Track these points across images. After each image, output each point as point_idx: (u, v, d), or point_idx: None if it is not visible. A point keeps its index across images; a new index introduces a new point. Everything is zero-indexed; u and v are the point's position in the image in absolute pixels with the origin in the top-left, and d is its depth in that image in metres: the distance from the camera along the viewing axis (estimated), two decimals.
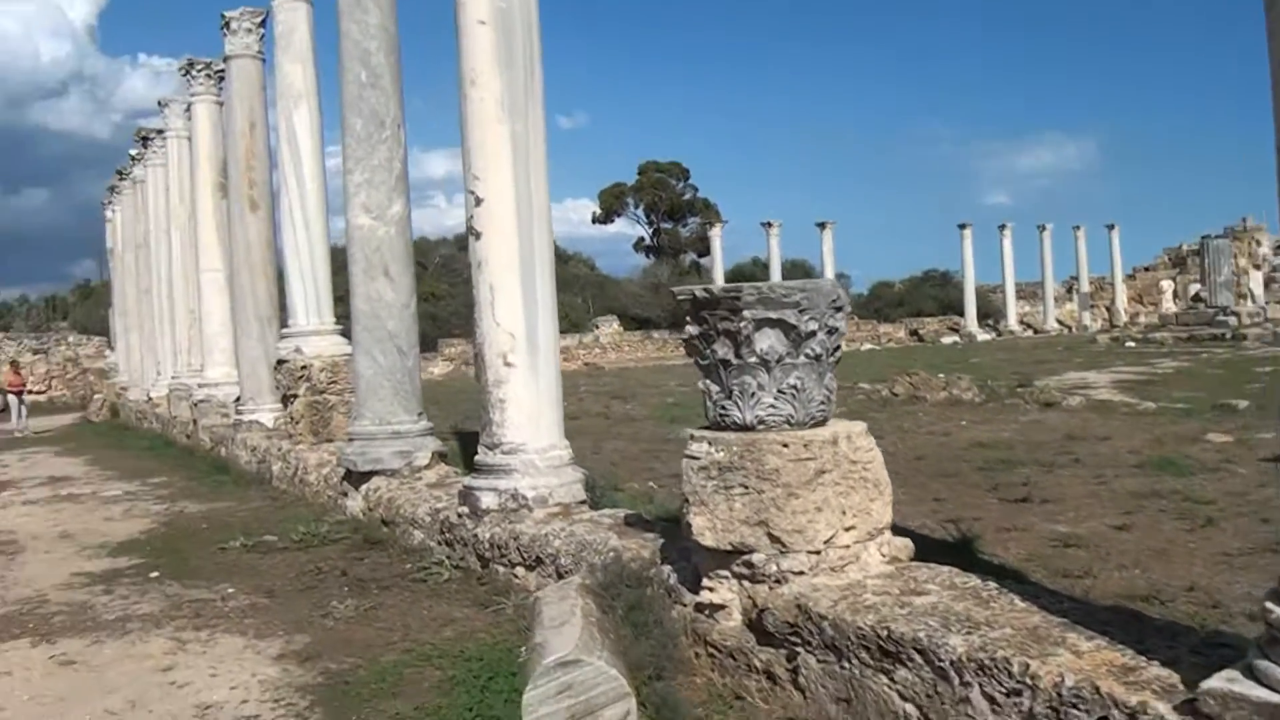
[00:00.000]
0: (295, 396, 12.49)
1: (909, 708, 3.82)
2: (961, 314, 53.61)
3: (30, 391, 32.45)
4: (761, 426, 4.58)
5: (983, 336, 50.22)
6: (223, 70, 16.48)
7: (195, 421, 18.22)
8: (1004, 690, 3.45)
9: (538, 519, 6.80)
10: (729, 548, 4.58)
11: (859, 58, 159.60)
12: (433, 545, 7.81)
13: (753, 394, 4.57)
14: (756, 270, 55.16)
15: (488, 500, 7.06)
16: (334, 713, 4.93)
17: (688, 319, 4.77)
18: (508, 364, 7.02)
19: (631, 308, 54.23)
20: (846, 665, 4.09)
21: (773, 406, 4.57)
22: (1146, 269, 59.86)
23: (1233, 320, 32.06)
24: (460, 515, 7.38)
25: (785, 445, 4.49)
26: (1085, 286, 57.05)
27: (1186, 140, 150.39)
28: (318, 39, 12.50)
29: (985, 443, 11.58)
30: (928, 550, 4.97)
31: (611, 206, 74.51)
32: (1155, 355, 26.76)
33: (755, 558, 4.51)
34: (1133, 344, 32.05)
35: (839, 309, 4.67)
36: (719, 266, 51.42)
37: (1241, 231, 37.22)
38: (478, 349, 7.21)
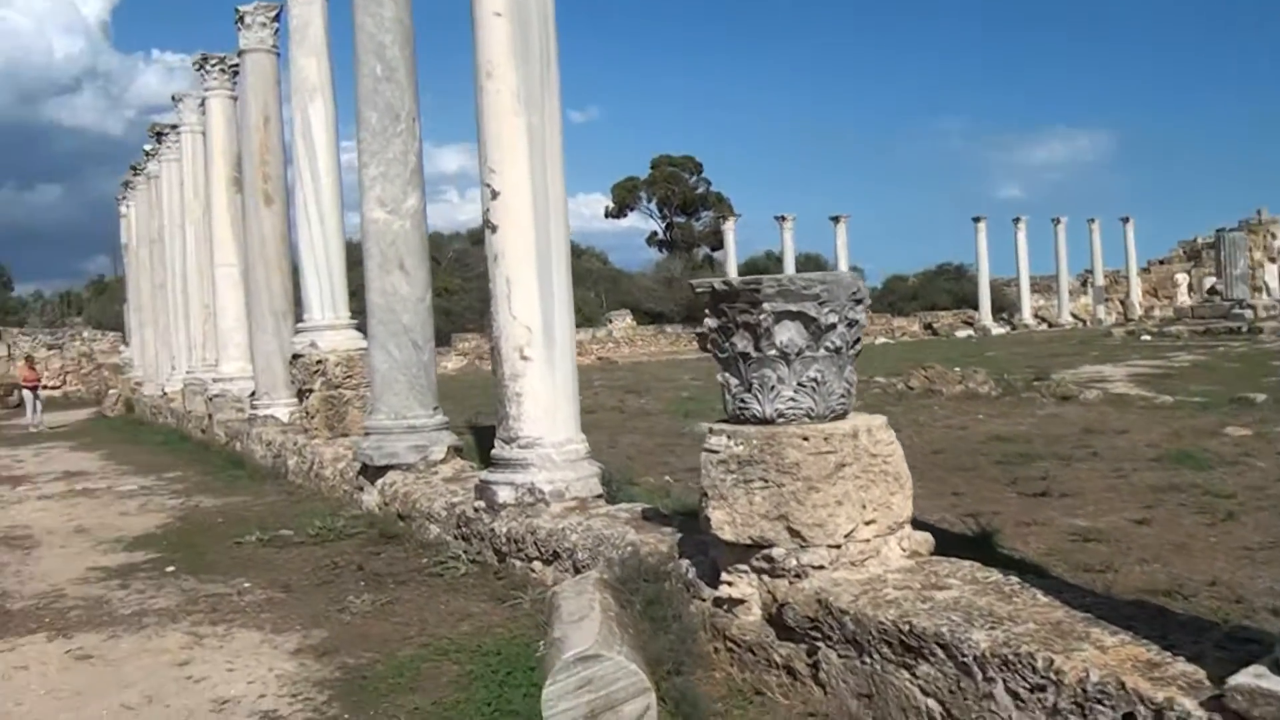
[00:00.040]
0: (310, 391, 12.49)
1: (931, 703, 3.79)
2: (975, 308, 53.44)
3: (45, 387, 32.56)
4: (781, 420, 4.55)
5: (997, 330, 50.08)
6: (237, 65, 16.50)
7: (210, 416, 18.24)
8: (1028, 686, 3.43)
9: (554, 513, 6.78)
10: (748, 542, 4.56)
11: (871, 51, 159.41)
12: (449, 540, 7.79)
13: (772, 387, 4.54)
14: (770, 264, 55.08)
15: (504, 494, 7.04)
16: (352, 707, 4.92)
17: (706, 312, 4.74)
18: (524, 358, 6.99)
19: (644, 302, 54.18)
20: (868, 660, 4.06)
21: (792, 400, 4.54)
22: (1161, 262, 59.63)
23: (1249, 313, 31.92)
24: (477, 509, 7.36)
25: (805, 439, 4.46)
26: (1100, 280, 56.84)
27: (1200, 132, 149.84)
28: (332, 33, 12.51)
29: (1003, 436, 11.54)
30: (947, 544, 4.93)
31: (624, 200, 74.35)
32: (1171, 349, 26.65)
33: (775, 552, 4.48)
34: (1148, 337, 31.94)
35: (859, 301, 4.64)
36: (732, 260, 51.38)
37: (1257, 224, 37.00)
38: (494, 342, 7.19)
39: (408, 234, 9.59)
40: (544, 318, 7.00)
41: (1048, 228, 55.56)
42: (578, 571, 6.03)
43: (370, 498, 9.55)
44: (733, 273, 46.50)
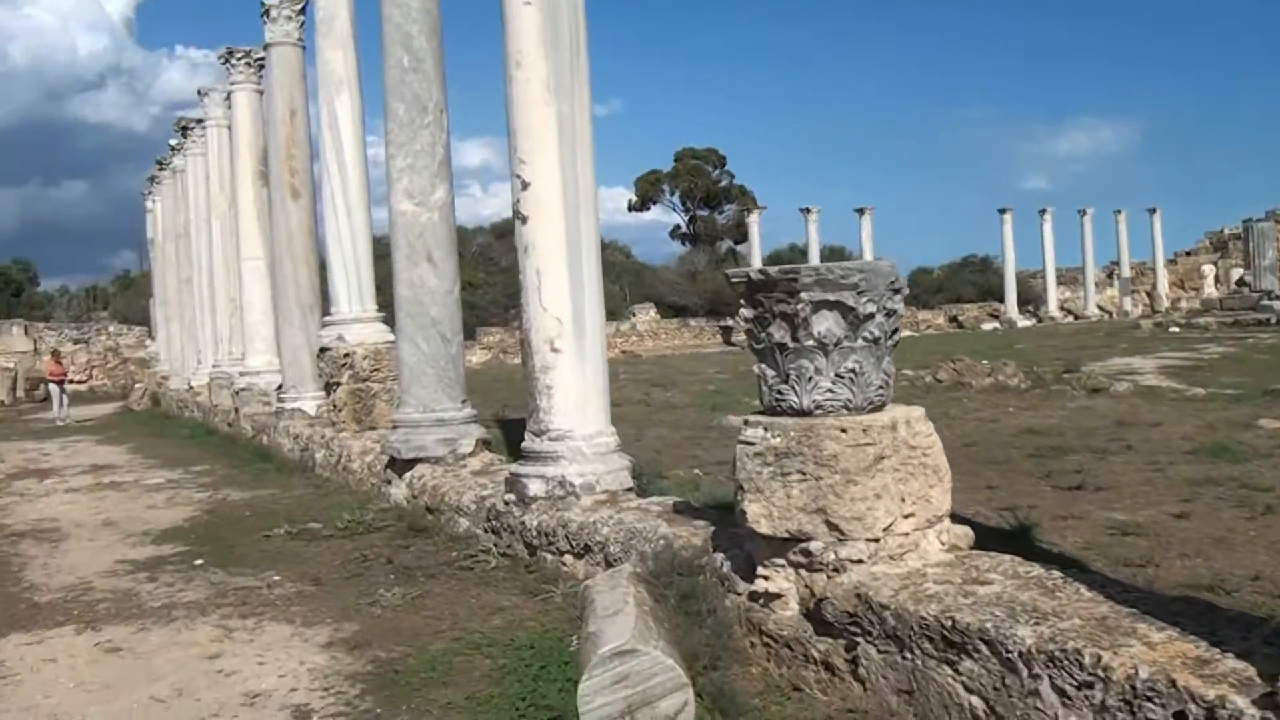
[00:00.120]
0: (338, 384, 12.49)
1: (974, 700, 3.73)
2: (1001, 300, 53.19)
3: (71, 381, 32.72)
4: (819, 411, 4.48)
5: (1023, 323, 49.81)
6: (263, 58, 16.51)
7: (237, 410, 18.29)
8: (1075, 683, 3.36)
9: (585, 506, 6.73)
10: (785, 535, 4.49)
11: (895, 42, 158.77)
12: (479, 533, 7.76)
13: (810, 378, 4.47)
14: (794, 256, 54.87)
15: (535, 487, 7.00)
16: (384, 701, 4.88)
17: (742, 302, 4.68)
18: (554, 350, 6.94)
19: (668, 295, 54.02)
20: (909, 656, 3.99)
21: (830, 391, 4.47)
22: (1187, 253, 59.25)
23: (1278, 305, 31.64)
24: (507, 503, 7.32)
25: (844, 430, 4.39)
26: (1126, 272, 56.48)
27: (1226, 122, 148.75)
28: (358, 25, 12.47)
29: (1034, 429, 11.45)
30: (984, 539, 4.87)
31: (647, 194, 74.22)
32: (1200, 340, 26.45)
33: (813, 545, 4.41)
34: (1176, 329, 31.71)
35: (897, 291, 4.56)
36: (757, 253, 51.17)
37: None
38: (524, 335, 7.14)
39: (435, 226, 9.55)
40: (574, 309, 6.95)
41: (1073, 219, 55.20)
42: (609, 565, 5.98)
43: (398, 491, 9.53)
44: (757, 265, 46.35)
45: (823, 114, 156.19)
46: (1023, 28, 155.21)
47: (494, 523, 7.54)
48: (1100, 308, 54.50)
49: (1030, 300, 54.65)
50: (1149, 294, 55.96)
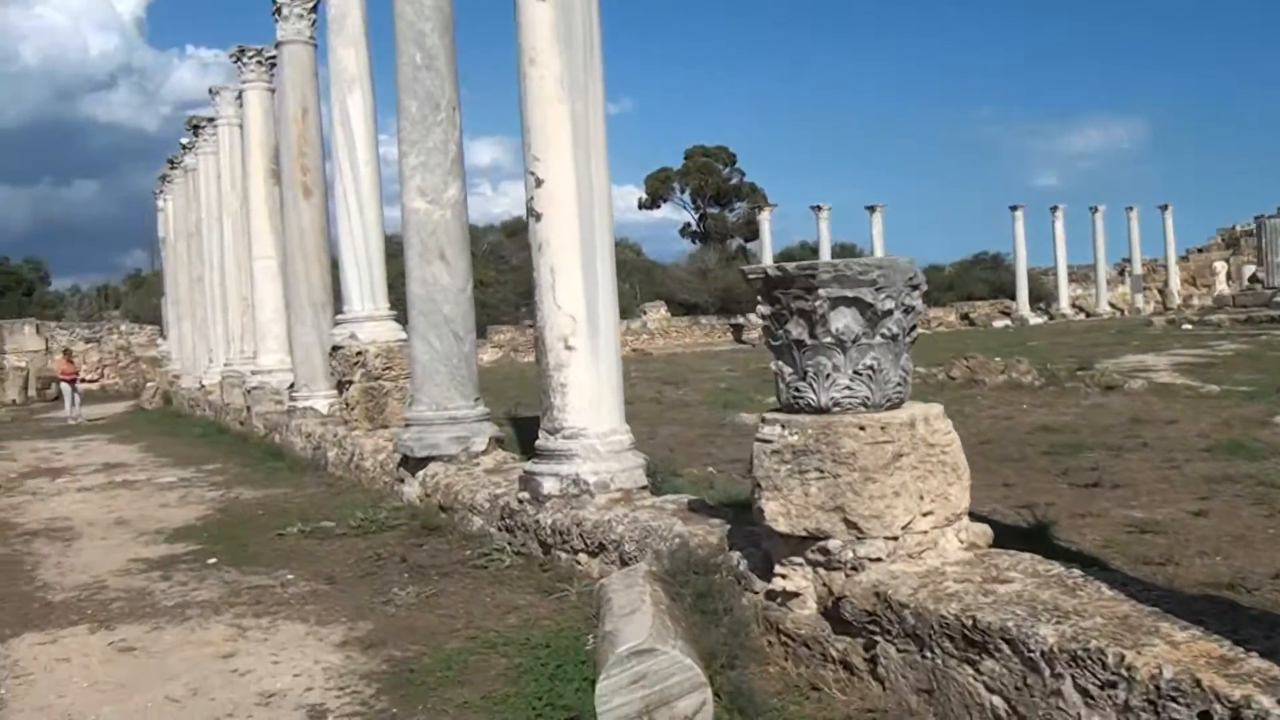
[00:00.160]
0: (350, 383, 12.49)
1: (996, 700, 3.70)
2: (1012, 297, 53.02)
3: (83, 380, 32.81)
4: (836, 409, 4.46)
5: (1034, 320, 49.67)
6: (274, 57, 16.49)
7: (249, 408, 18.29)
8: (1098, 683, 3.33)
9: (599, 505, 6.71)
10: (803, 534, 4.46)
11: (905, 40, 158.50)
12: (492, 531, 7.73)
13: (828, 375, 4.44)
14: (805, 254, 54.77)
15: (549, 486, 6.97)
16: (400, 701, 4.85)
17: (759, 299, 4.65)
18: (568, 347, 6.92)
19: (679, 293, 53.95)
20: (929, 655, 3.96)
21: (848, 388, 4.44)
22: (1199, 250, 59.03)
23: None
24: (521, 501, 7.30)
25: (862, 428, 4.36)
26: (1138, 268, 56.27)
27: (1237, 119, 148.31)
28: (370, 22, 12.46)
29: (1049, 427, 11.40)
30: (1001, 536, 4.83)
31: (658, 192, 74.13)
32: (1213, 338, 26.35)
33: (831, 544, 4.38)
34: (1189, 326, 31.61)
35: (915, 287, 4.54)
36: (768, 250, 51.12)
37: None
38: (538, 332, 7.12)
39: (448, 224, 9.53)
40: (588, 307, 6.92)
41: (1084, 216, 55.04)
42: (624, 564, 5.96)
43: (411, 489, 9.51)
44: (768, 262, 46.29)
45: (833, 112, 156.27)
46: (1032, 25, 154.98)
47: (508, 521, 7.52)
48: (1112, 305, 54.31)
49: (1041, 298, 54.49)
50: (1161, 291, 55.75)
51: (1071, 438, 10.49)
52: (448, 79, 9.59)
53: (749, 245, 65.88)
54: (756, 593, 4.86)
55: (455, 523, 8.35)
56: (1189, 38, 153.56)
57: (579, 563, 6.61)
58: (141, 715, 4.97)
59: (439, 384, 9.48)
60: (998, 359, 17.65)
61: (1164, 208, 56.38)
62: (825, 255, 48.05)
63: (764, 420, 4.69)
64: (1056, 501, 7.46)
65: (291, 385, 15.91)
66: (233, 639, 6.04)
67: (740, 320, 50.85)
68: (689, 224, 75.09)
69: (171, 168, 29.06)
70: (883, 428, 4.36)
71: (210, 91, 22.06)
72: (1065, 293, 53.87)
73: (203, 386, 24.91)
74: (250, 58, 18.24)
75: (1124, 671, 3.24)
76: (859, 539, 4.34)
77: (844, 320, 4.38)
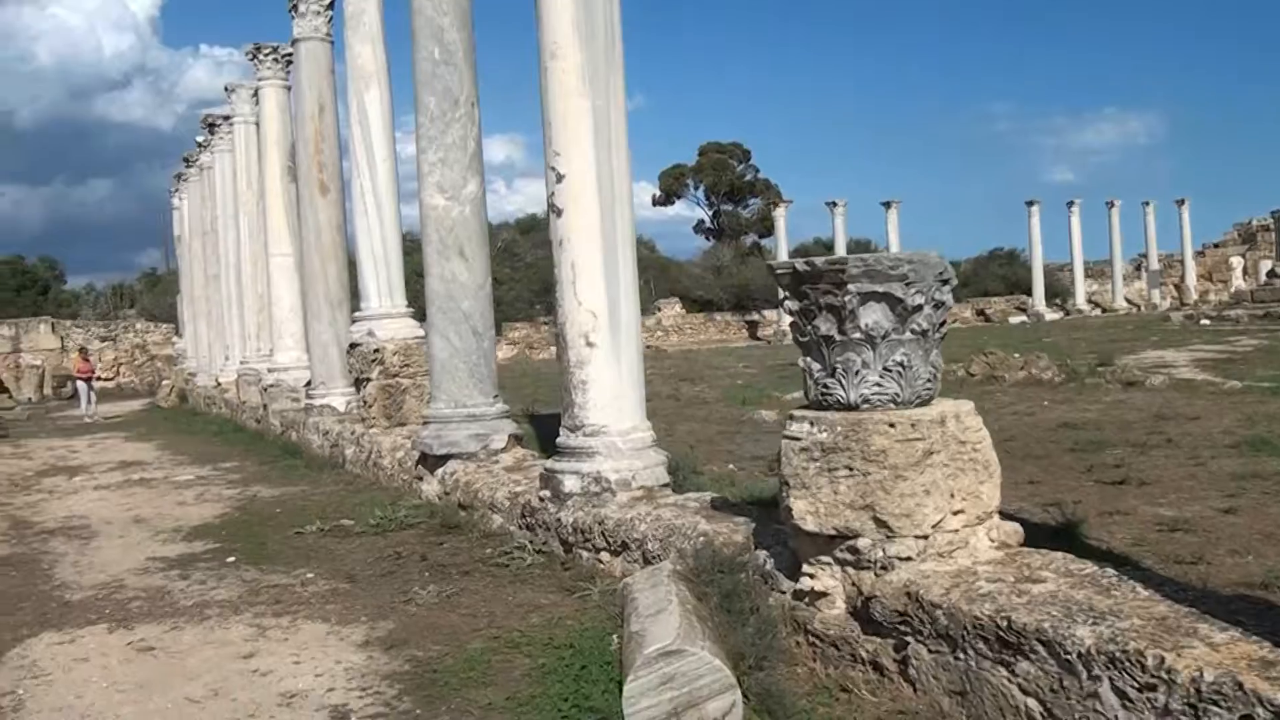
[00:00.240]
0: (368, 380, 12.45)
1: (1031, 702, 3.63)
2: (1028, 293, 52.75)
3: (99, 378, 32.90)
4: (866, 405, 4.39)
5: (1051, 316, 49.39)
6: (290, 54, 16.46)
7: (265, 406, 18.28)
8: (1137, 685, 3.27)
9: (621, 503, 6.65)
10: (832, 532, 4.40)
11: (919, 36, 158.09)
12: (513, 530, 7.69)
13: (857, 371, 4.38)
14: (820, 250, 54.58)
15: (570, 484, 6.92)
16: (424, 702, 4.80)
17: (786, 295, 4.58)
18: (590, 344, 6.86)
19: (693, 290, 53.89)
20: (961, 656, 3.90)
21: (878, 385, 4.38)
22: (1215, 245, 58.72)
23: None
24: (541, 499, 7.24)
25: (892, 425, 4.30)
26: (1155, 264, 55.97)
27: (1253, 113, 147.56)
28: (387, 19, 12.45)
29: (1072, 423, 11.29)
30: (1031, 535, 4.77)
31: (672, 188, 74.02)
32: (1232, 333, 26.15)
33: (861, 543, 4.32)
34: (1207, 322, 31.37)
35: (945, 282, 4.47)
36: (783, 246, 50.88)
37: None
38: (559, 329, 7.07)
39: (467, 220, 9.49)
40: (609, 303, 6.87)
41: (1100, 211, 54.73)
42: (647, 563, 5.90)
43: (430, 487, 9.47)
44: (784, 258, 46.12)
45: (847, 108, 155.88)
46: (1045, 20, 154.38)
47: (528, 519, 7.47)
48: (1128, 300, 54.01)
49: (1058, 293, 54.20)
50: (1177, 286, 55.43)
51: (1095, 434, 10.38)
52: (466, 74, 9.54)
53: (764, 241, 65.76)
54: (784, 592, 4.80)
55: (475, 521, 8.30)
56: (1205, 32, 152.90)
57: (601, 561, 6.55)
58: (161, 716, 4.93)
59: (458, 381, 9.43)
60: (1017, 355, 17.52)
61: (1180, 203, 56.03)
62: (841, 251, 47.88)
63: (792, 417, 4.63)
64: (1083, 499, 7.36)
65: (308, 383, 15.88)
66: (253, 639, 6.00)
67: (755, 317, 50.77)
68: (703, 220, 75.02)
69: (187, 166, 29.10)
70: (913, 425, 4.30)
71: (226, 89, 22.06)
72: (1081, 288, 53.56)
73: (219, 384, 24.94)
74: (266, 55, 18.23)
75: (1164, 674, 3.18)
76: (889, 538, 4.28)
77: (873, 316, 4.32)
